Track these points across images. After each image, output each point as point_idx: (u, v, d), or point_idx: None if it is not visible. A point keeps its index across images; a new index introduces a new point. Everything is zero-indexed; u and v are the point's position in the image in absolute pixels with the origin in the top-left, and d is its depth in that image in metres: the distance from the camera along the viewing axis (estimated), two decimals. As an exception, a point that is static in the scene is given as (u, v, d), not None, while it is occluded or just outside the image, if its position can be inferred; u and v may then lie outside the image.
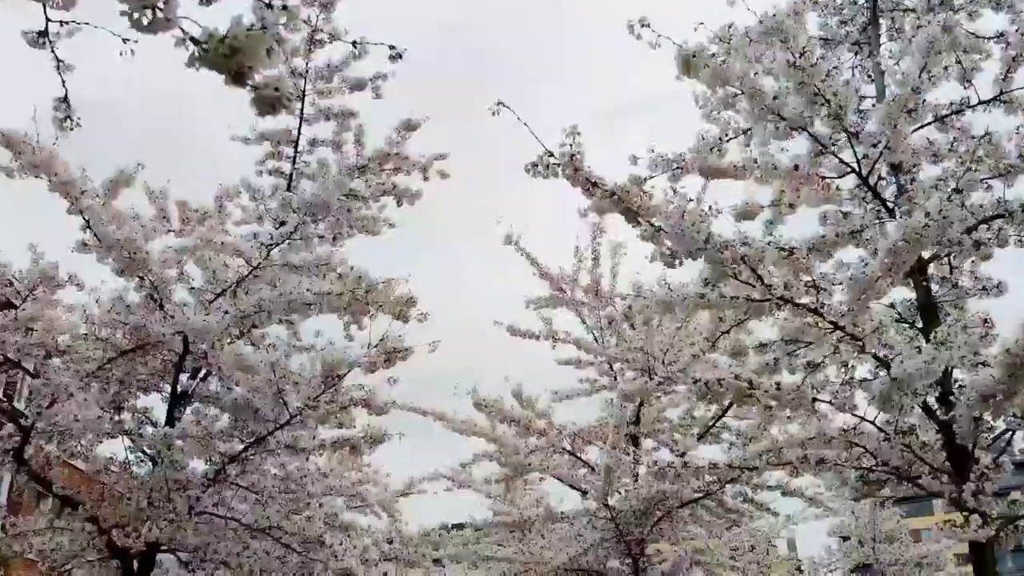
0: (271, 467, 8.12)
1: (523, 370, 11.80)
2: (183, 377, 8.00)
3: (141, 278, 6.35)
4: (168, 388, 7.72)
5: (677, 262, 4.01)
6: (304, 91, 7.78)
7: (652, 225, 3.90)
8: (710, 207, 4.04)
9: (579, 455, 11.29)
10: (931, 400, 4.40)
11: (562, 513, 11.33)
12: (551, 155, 4.12)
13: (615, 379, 12.04)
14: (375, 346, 5.92)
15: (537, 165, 4.17)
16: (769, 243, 3.97)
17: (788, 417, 6.48)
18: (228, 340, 6.02)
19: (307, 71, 7.70)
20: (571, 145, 4.03)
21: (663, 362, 11.47)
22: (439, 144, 8.77)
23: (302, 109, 7.88)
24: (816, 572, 15.75)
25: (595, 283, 11.71)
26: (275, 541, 6.50)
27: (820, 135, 4.39)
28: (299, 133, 8.00)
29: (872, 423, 4.35)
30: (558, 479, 11.57)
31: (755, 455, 4.68)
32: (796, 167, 4.43)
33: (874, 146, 4.29)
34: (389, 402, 6.00)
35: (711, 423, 10.77)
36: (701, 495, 10.55)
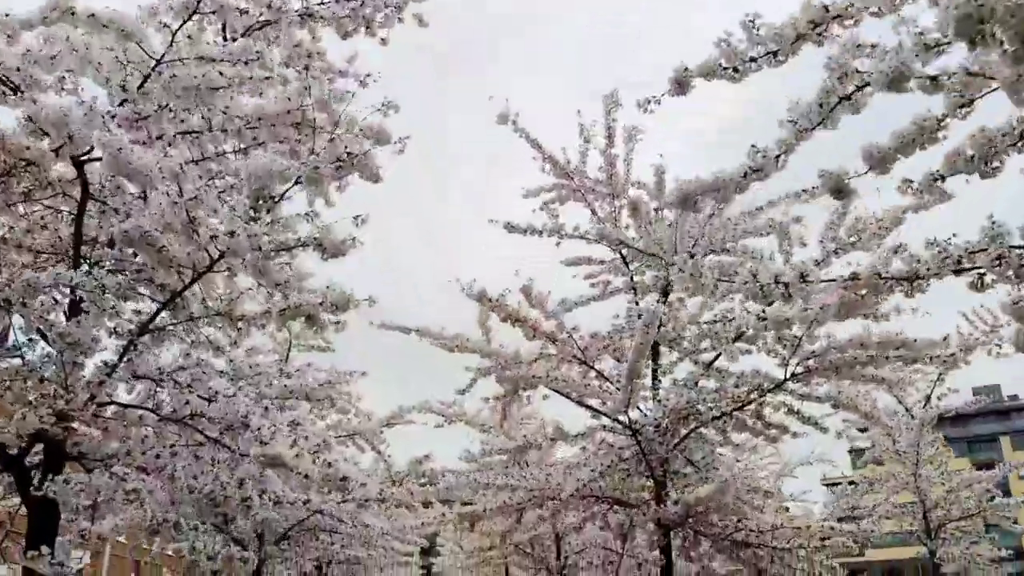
0: (212, 359, 6.47)
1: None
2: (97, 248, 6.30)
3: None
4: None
5: None
6: None
7: None
8: None
9: (592, 364, 9.65)
10: None
11: (575, 434, 9.71)
12: None
13: (632, 279, 10.39)
14: (323, 148, 4.18)
15: None
16: None
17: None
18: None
19: None
20: None
21: (691, 252, 9.85)
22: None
23: None
24: (856, 495, 14.27)
25: (610, 164, 9.93)
26: (196, 433, 4.83)
27: None
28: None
29: None
30: (565, 395, 9.97)
31: (935, 261, 3.02)
32: None
33: None
34: (349, 240, 4.29)
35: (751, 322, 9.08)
36: (739, 406, 8.97)
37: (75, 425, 5.24)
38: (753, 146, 3.35)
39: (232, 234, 4.00)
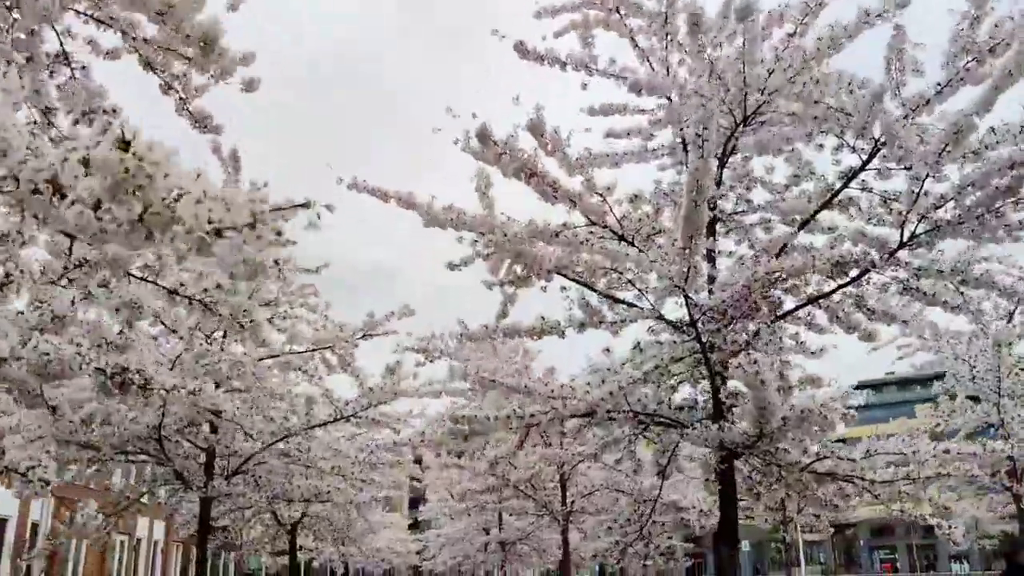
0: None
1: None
2: None
3: None
4: None
5: None
6: None
7: None
8: None
9: (632, 240, 7.22)
10: None
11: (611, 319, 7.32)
12: None
13: (681, 130, 7.91)
14: None
15: None
16: None
17: None
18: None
19: None
20: None
21: (762, 90, 7.38)
22: None
23: None
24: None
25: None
26: None
27: None
28: None
29: None
30: (591, 288, 7.61)
31: None
32: None
33: None
34: None
35: (846, 180, 6.68)
36: (836, 287, 6.62)
37: None
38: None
39: None
